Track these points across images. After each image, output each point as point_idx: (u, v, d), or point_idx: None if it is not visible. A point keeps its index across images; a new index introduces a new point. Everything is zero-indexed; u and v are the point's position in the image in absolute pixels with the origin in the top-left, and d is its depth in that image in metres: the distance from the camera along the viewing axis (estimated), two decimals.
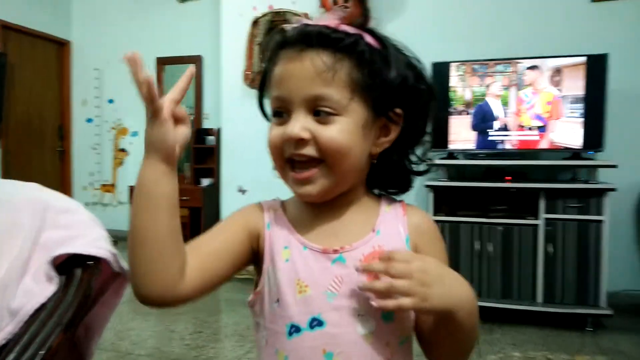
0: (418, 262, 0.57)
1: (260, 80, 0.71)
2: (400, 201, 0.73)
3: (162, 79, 4.86)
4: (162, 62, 4.87)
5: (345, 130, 0.62)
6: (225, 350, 2.35)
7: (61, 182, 5.17)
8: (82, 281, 0.76)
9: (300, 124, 0.62)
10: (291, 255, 0.65)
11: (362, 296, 0.62)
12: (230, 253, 0.66)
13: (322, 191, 0.64)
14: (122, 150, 5.08)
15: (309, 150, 0.62)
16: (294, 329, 0.63)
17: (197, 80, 4.75)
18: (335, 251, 0.65)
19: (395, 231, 0.68)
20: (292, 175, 0.65)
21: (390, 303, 0.56)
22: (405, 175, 0.71)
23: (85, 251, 0.78)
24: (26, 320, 0.71)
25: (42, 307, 0.73)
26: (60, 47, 5.14)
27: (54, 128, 5.11)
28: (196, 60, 4.74)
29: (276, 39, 0.67)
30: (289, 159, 0.64)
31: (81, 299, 0.75)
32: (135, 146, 5.02)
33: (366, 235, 0.66)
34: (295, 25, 0.66)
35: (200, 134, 4.64)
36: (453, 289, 0.59)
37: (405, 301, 0.55)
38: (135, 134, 4.99)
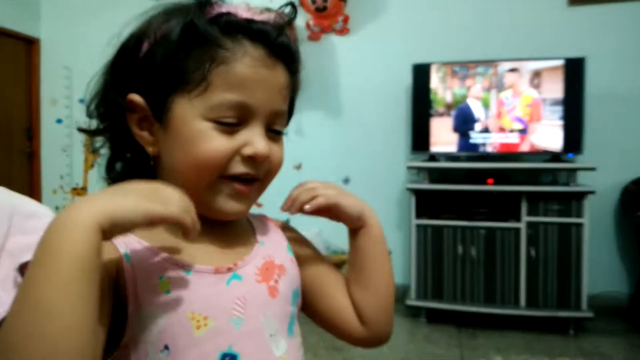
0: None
1: (167, 59, 0.52)
2: (257, 212, 0.69)
3: None
4: None
5: (283, 149, 0.59)
6: None
7: (30, 185, 4.99)
8: None
9: (265, 141, 0.54)
10: (172, 284, 0.51)
11: (270, 313, 0.56)
12: (107, 313, 0.48)
13: (249, 209, 0.59)
14: (94, 152, 4.93)
15: (262, 171, 0.56)
16: None
17: None
18: (229, 269, 0.55)
19: (277, 240, 0.64)
20: (236, 187, 0.54)
21: (317, 200, 0.59)
22: None
23: None
24: None
25: None
26: (28, 45, 4.97)
27: (21, 129, 4.93)
28: None
29: (232, 20, 0.53)
30: (228, 176, 0.54)
31: None
32: None
33: (252, 247, 0.60)
34: (243, 13, 0.54)
35: None
36: (357, 199, 0.64)
37: (323, 194, 0.60)
38: None
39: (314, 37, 3.31)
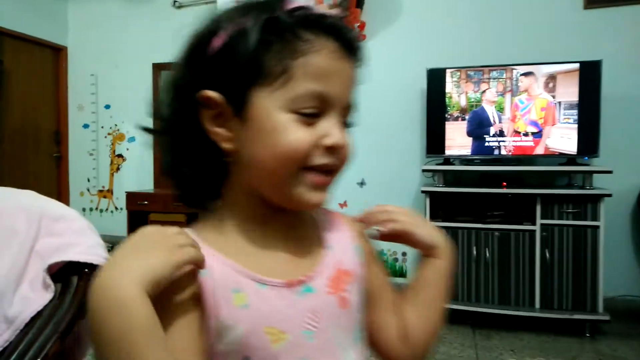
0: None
1: (253, 54, 0.51)
2: (324, 208, 0.65)
3: (158, 85, 4.85)
4: (159, 68, 4.87)
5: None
6: None
7: (57, 187, 5.15)
8: (78, 288, 0.76)
9: (343, 131, 0.55)
10: (247, 298, 0.52)
11: (340, 324, 0.57)
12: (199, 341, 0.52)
13: (328, 198, 0.58)
14: (119, 155, 5.07)
15: (339, 161, 0.56)
16: None
17: None
18: (301, 282, 0.55)
19: (345, 243, 0.62)
20: (316, 180, 0.54)
21: (392, 225, 0.66)
22: None
23: (81, 259, 0.78)
24: (22, 328, 0.71)
25: (39, 314, 0.73)
26: (56, 53, 5.14)
27: (50, 134, 5.10)
28: None
29: (308, 14, 0.53)
30: (309, 167, 0.54)
31: (77, 307, 0.75)
32: (132, 152, 5.01)
33: (322, 254, 0.59)
34: (326, 12, 0.55)
35: None
36: (433, 230, 0.68)
37: (399, 220, 0.66)
38: (132, 139, 4.98)
39: None
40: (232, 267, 0.53)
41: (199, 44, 0.55)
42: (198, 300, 0.51)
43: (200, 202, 0.60)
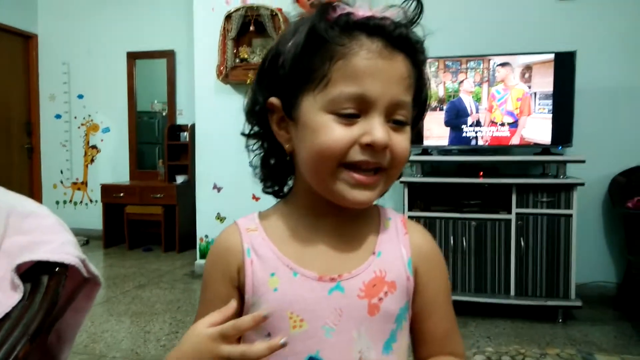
0: None
1: (301, 63, 0.56)
2: (399, 215, 0.68)
3: (133, 74, 4.75)
4: (133, 57, 4.76)
5: (409, 140, 0.59)
6: None
7: (30, 179, 5.03)
8: (48, 289, 0.74)
9: (384, 130, 0.55)
10: (280, 283, 0.58)
11: (364, 330, 0.58)
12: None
13: (376, 198, 0.60)
14: (93, 147, 4.96)
15: (384, 160, 0.56)
16: None
17: (170, 75, 4.68)
18: (333, 279, 0.58)
19: (397, 253, 0.62)
20: (355, 177, 0.56)
21: None
22: None
23: (51, 258, 0.76)
24: None
25: (7, 316, 0.71)
26: (26, 41, 4.98)
27: (21, 124, 4.96)
28: (169, 55, 4.66)
29: (350, 19, 0.55)
30: (348, 163, 0.56)
31: (48, 307, 0.73)
32: (107, 143, 4.91)
33: (366, 258, 0.61)
34: (362, 12, 0.56)
35: (173, 130, 4.57)
36: None
37: None
38: (106, 130, 4.88)
39: None
40: (274, 252, 0.60)
41: (267, 59, 0.61)
42: (236, 287, 0.60)
43: (278, 193, 0.67)
